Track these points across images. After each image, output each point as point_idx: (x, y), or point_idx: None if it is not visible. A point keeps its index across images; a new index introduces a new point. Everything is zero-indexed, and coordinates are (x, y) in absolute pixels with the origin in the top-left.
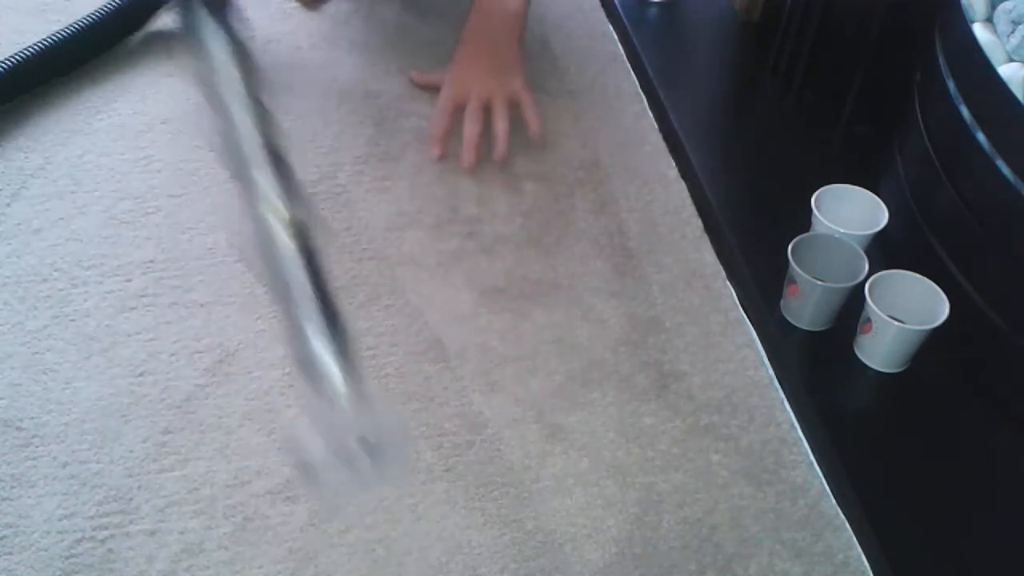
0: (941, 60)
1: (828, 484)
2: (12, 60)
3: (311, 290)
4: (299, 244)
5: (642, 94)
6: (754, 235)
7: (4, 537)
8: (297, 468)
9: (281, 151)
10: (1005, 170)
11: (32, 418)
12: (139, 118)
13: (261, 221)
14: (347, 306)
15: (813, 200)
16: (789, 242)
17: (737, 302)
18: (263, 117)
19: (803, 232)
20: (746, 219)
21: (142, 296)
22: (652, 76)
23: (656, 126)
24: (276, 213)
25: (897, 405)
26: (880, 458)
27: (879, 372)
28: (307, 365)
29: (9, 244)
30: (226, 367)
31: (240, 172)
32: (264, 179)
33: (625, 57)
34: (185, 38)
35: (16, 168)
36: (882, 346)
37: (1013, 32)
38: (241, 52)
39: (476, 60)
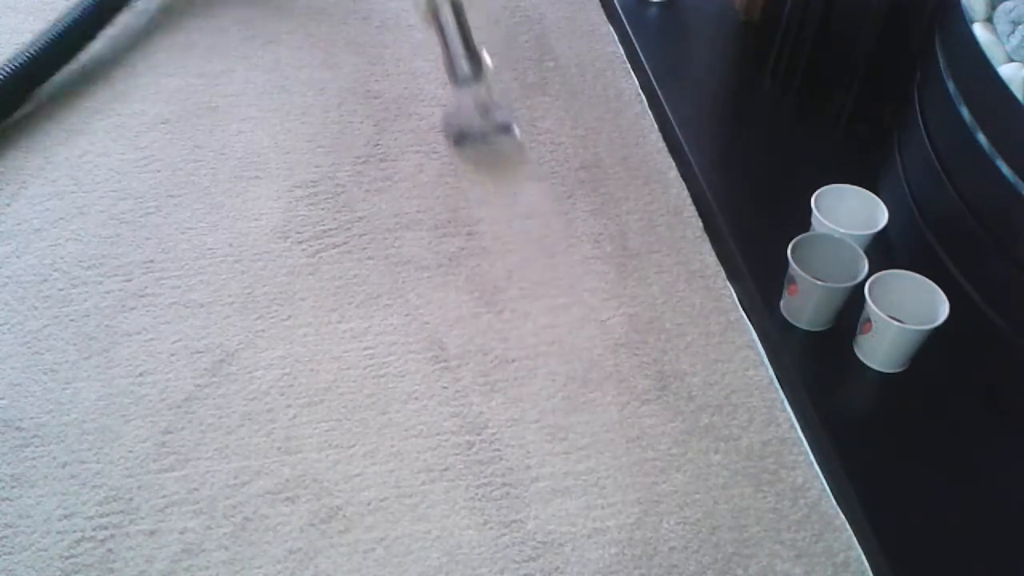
0: (941, 60)
1: (828, 484)
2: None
3: (456, 28)
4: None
5: (642, 94)
6: (754, 235)
7: (4, 537)
8: (447, 135)
9: None
10: (1005, 170)
11: (32, 418)
12: (139, 118)
13: None
14: (347, 306)
15: (813, 200)
16: (789, 242)
17: (737, 302)
18: None
19: (803, 232)
20: (746, 219)
21: (142, 296)
22: (652, 76)
23: (656, 126)
24: None
25: (897, 405)
26: (880, 458)
27: (879, 372)
28: (452, 71)
29: (9, 244)
30: (226, 367)
31: None
32: None
33: (625, 57)
34: None
35: (16, 168)
36: (882, 346)
37: (1013, 32)
38: None
39: None
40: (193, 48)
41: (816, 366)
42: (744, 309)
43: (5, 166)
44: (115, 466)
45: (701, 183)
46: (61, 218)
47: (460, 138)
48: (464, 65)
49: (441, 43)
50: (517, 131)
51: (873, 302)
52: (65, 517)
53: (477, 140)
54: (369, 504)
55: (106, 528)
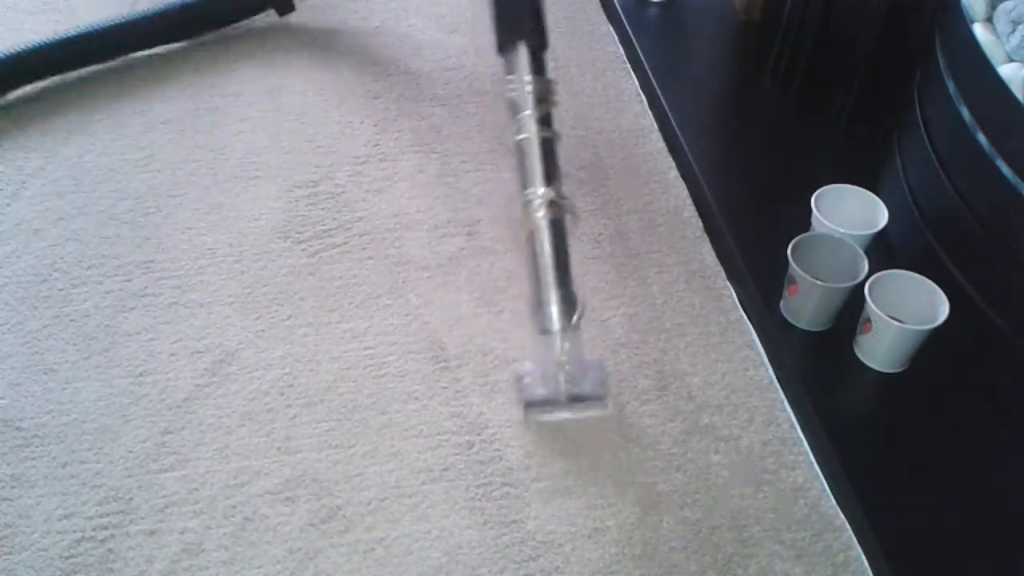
0: (941, 60)
1: (828, 484)
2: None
3: (553, 257)
4: (551, 219)
5: (642, 94)
6: (754, 235)
7: (4, 537)
8: (517, 394)
9: (553, 144)
10: (1005, 170)
11: (32, 418)
12: (139, 118)
13: (525, 197)
14: (347, 306)
15: (813, 200)
16: (789, 242)
17: (737, 302)
18: (545, 121)
19: (803, 232)
20: (746, 219)
21: (142, 296)
22: (652, 76)
23: (656, 126)
24: (537, 193)
25: (897, 405)
26: (880, 458)
27: (879, 372)
28: (539, 316)
29: (9, 244)
30: (226, 367)
31: (519, 159)
32: (534, 164)
33: (625, 57)
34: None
35: (16, 168)
36: (882, 346)
37: (1013, 32)
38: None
39: None
40: (193, 48)
41: (816, 366)
42: (744, 309)
43: (5, 166)
44: (115, 466)
45: (701, 183)
46: (61, 218)
47: (533, 405)
48: (553, 309)
49: (531, 279)
50: (609, 403)
51: (873, 302)
52: (65, 517)
53: (553, 407)
54: (369, 504)
55: (106, 528)
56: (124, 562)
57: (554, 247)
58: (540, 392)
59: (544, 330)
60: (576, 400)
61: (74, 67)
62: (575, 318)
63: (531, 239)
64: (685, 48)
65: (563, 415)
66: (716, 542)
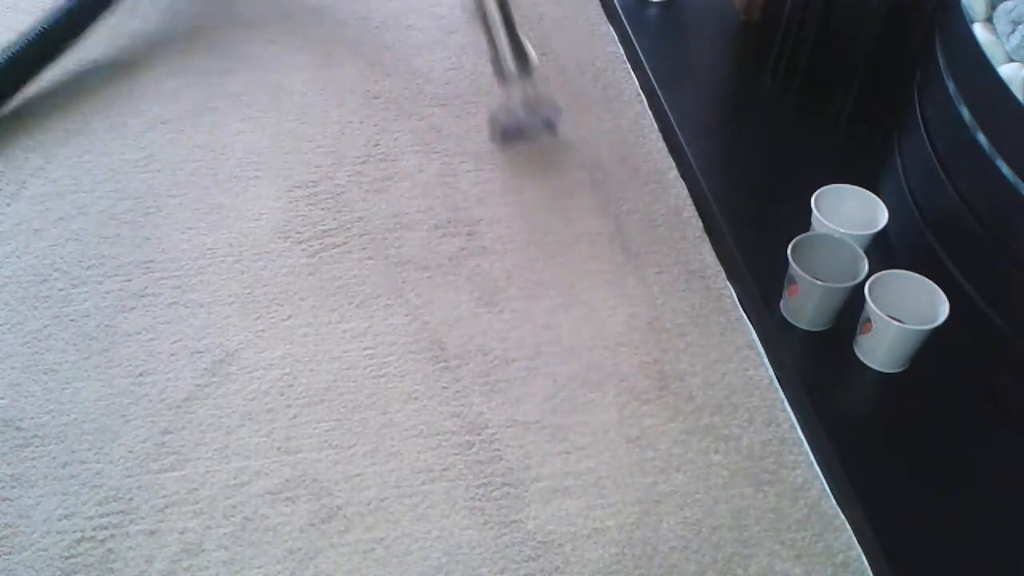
0: (941, 60)
1: (828, 484)
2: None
3: (503, 21)
4: None
5: (642, 94)
6: (754, 235)
7: (4, 537)
8: (492, 130)
9: None
10: (1005, 170)
11: (32, 418)
12: (139, 118)
13: None
14: (347, 306)
15: (813, 200)
16: (789, 242)
17: (737, 302)
18: None
19: (803, 232)
20: (746, 219)
21: (142, 296)
22: (652, 76)
23: (656, 126)
24: None
25: (897, 405)
26: (880, 458)
27: (879, 372)
28: (499, 67)
29: (9, 244)
30: (226, 367)
31: None
32: None
33: (625, 57)
34: None
35: (16, 168)
36: (882, 346)
37: (1013, 32)
38: None
39: None
40: (193, 48)
41: (816, 366)
42: (744, 309)
43: (5, 166)
44: (115, 466)
45: (701, 183)
46: (61, 218)
47: (507, 135)
48: (510, 61)
49: (487, 39)
50: (559, 130)
51: (873, 302)
52: (65, 517)
53: (524, 137)
54: (369, 504)
55: (106, 528)
56: (124, 562)
57: (502, 13)
58: (511, 123)
59: (505, 78)
60: (538, 126)
61: (59, 53)
62: (529, 66)
63: (480, 14)
64: (685, 48)
65: (530, 142)
66: (716, 542)
